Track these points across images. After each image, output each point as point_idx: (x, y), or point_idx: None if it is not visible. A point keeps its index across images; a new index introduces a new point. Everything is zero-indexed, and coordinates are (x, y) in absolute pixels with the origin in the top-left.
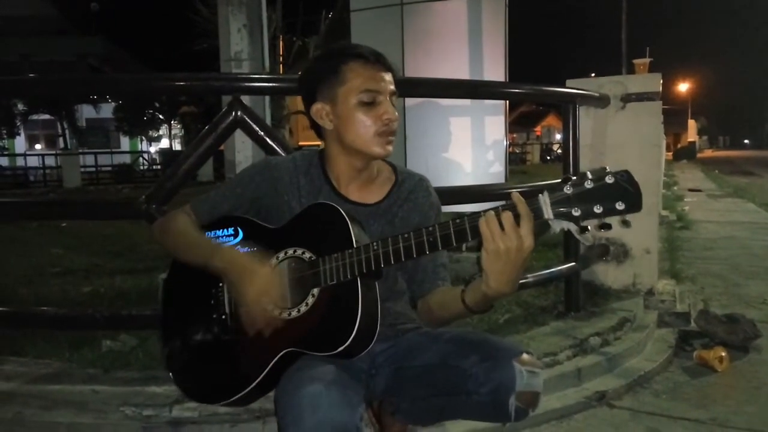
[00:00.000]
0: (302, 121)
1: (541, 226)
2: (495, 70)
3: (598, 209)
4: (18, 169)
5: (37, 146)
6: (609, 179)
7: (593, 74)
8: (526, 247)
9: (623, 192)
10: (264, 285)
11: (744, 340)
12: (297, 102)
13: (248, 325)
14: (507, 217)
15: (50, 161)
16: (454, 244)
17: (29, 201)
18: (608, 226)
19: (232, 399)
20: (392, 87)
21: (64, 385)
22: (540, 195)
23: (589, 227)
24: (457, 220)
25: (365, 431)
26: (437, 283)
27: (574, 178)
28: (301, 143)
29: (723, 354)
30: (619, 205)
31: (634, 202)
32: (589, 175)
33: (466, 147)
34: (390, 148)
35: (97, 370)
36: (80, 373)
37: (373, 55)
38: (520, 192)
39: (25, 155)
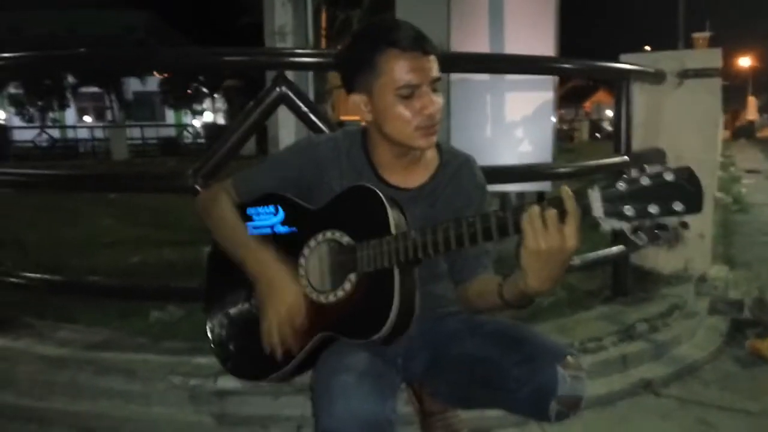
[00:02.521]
0: (344, 95)
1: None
2: (544, 44)
3: (653, 209)
4: (69, 141)
5: (86, 118)
6: (668, 176)
7: (648, 47)
8: (569, 247)
9: (683, 191)
10: (289, 308)
11: None
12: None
13: (265, 334)
14: (551, 214)
15: (99, 133)
16: (495, 239)
17: (80, 174)
18: (664, 227)
19: (267, 378)
20: (434, 73)
21: (115, 353)
22: (590, 191)
23: (642, 228)
24: (500, 214)
25: (398, 418)
26: (477, 270)
27: (630, 173)
28: (342, 118)
29: None
30: (678, 206)
31: (695, 204)
32: (647, 171)
33: (512, 124)
34: (433, 138)
35: (145, 339)
36: (130, 342)
37: (411, 39)
38: (567, 173)
39: (75, 127)
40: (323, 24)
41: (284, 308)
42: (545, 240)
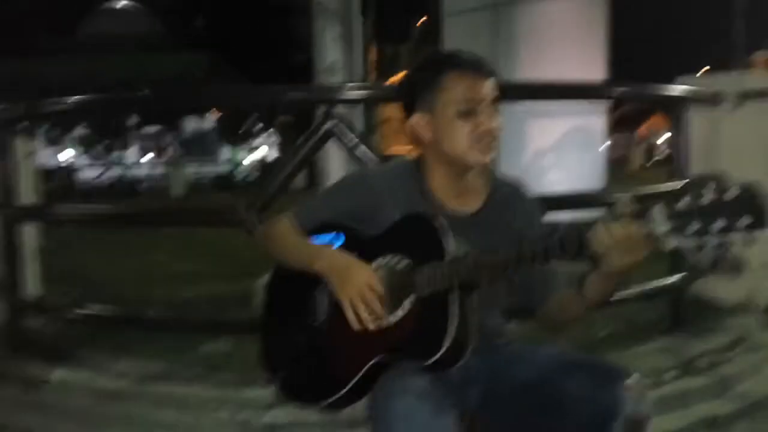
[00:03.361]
0: (393, 128)
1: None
2: (593, 68)
3: (719, 225)
4: (129, 179)
5: (148, 156)
6: (733, 191)
7: (707, 67)
8: (646, 248)
9: (749, 206)
10: (367, 279)
11: None
12: (388, 109)
13: (354, 321)
14: (617, 229)
15: (158, 170)
16: (553, 260)
17: (138, 211)
18: (728, 248)
19: (321, 404)
20: (493, 94)
21: (168, 386)
22: (654, 208)
23: (706, 246)
24: (561, 233)
25: None
26: (550, 290)
27: (694, 189)
28: (391, 151)
29: None
30: (744, 221)
31: (762, 218)
32: (711, 186)
33: (564, 150)
34: (490, 155)
35: (197, 371)
36: (182, 374)
37: (471, 63)
38: (623, 200)
39: (135, 165)
40: (373, 59)
41: (363, 280)
42: (623, 256)
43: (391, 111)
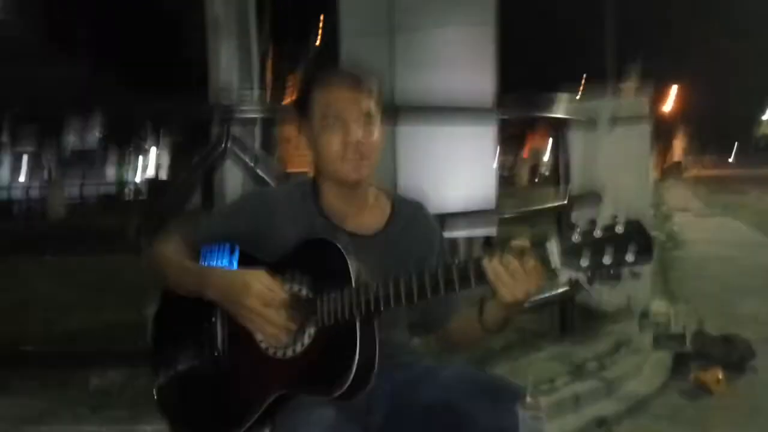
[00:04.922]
0: (293, 147)
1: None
2: (484, 89)
3: (607, 260)
4: (3, 200)
5: (23, 176)
6: (619, 228)
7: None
8: (539, 284)
9: (634, 242)
10: (262, 287)
11: (740, 360)
12: (286, 129)
13: (266, 340)
14: (515, 266)
15: (34, 192)
16: (457, 290)
17: (14, 236)
18: (618, 277)
19: None
20: (367, 108)
21: (51, 426)
22: (547, 243)
23: (597, 277)
24: (462, 266)
25: None
26: (452, 313)
27: (582, 225)
28: (290, 170)
29: (720, 375)
30: (630, 257)
31: (646, 253)
32: (599, 223)
33: (456, 169)
34: (363, 171)
35: (84, 409)
36: (68, 413)
37: (344, 76)
38: (512, 218)
39: (8, 188)
40: (269, 75)
41: (258, 288)
42: (520, 289)
43: (292, 130)
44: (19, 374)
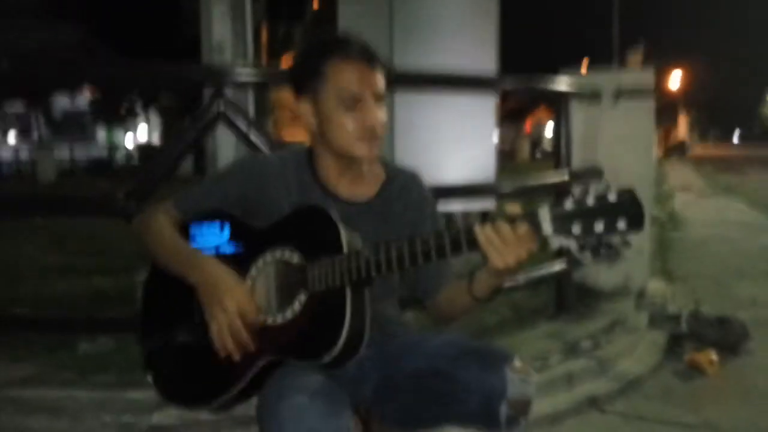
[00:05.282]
0: (287, 113)
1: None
2: (486, 57)
3: (599, 227)
4: None
5: (11, 138)
6: (612, 197)
7: (587, 57)
8: (531, 250)
9: (626, 211)
10: (238, 303)
11: (735, 342)
12: (281, 94)
13: (219, 346)
14: (507, 230)
15: (24, 154)
16: (449, 256)
17: (3, 198)
18: (609, 245)
19: (211, 405)
20: (378, 87)
21: (39, 390)
22: (539, 210)
23: (588, 246)
24: (453, 231)
25: None
26: (443, 282)
27: (576, 193)
28: (285, 139)
29: (714, 357)
30: (621, 225)
31: (637, 222)
32: (592, 191)
33: (455, 142)
34: (375, 151)
35: (73, 374)
36: (56, 378)
37: (359, 51)
38: (510, 192)
39: None
40: (264, 38)
41: (233, 304)
42: (511, 255)
43: (285, 95)
44: (7, 338)
